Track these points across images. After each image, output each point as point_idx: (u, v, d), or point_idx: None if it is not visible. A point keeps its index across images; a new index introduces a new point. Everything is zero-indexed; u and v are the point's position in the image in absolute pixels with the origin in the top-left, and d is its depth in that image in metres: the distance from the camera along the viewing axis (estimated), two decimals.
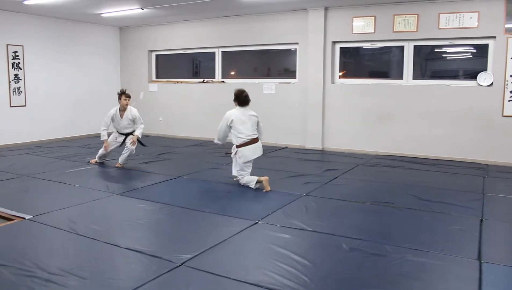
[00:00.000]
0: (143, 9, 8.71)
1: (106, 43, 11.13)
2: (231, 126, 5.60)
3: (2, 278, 3.03)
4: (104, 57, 11.09)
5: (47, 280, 2.98)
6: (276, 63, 10.00)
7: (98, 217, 4.45)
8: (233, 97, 5.73)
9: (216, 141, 5.84)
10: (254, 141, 5.61)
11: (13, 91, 9.11)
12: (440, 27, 7.58)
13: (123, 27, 11.29)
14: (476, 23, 7.30)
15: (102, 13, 9.23)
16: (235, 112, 5.63)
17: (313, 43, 8.67)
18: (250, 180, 5.56)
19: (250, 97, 5.76)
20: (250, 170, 5.66)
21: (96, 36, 10.83)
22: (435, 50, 8.05)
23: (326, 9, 8.47)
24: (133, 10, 8.85)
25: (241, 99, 5.67)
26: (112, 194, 5.26)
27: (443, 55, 8.11)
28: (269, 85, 9.33)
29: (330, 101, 8.69)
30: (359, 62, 9.17)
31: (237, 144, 5.59)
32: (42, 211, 4.51)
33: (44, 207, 4.68)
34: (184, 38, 10.37)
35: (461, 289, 2.94)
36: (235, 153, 5.60)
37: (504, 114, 7.23)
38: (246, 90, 5.77)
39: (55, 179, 6.03)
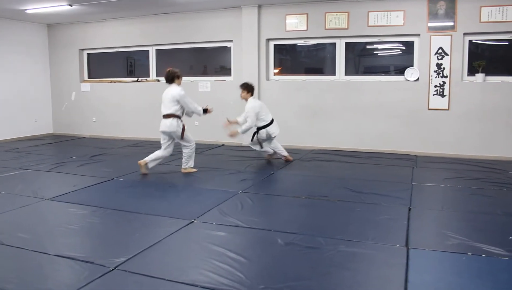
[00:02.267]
0: (71, 6, 8.36)
1: (33, 41, 10.56)
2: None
3: None
4: (31, 56, 10.52)
5: None
6: (211, 61, 9.95)
7: (25, 224, 4.22)
8: None
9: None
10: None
11: None
12: (369, 24, 7.86)
13: (51, 25, 10.80)
14: (402, 21, 7.64)
15: (26, 9, 8.75)
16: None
17: (247, 40, 8.71)
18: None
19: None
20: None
21: (22, 34, 10.24)
22: (367, 46, 8.34)
23: (259, 6, 8.54)
24: (61, 7, 8.47)
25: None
26: (42, 200, 5.03)
27: (374, 52, 8.42)
28: (204, 83, 9.28)
29: (266, 98, 8.75)
30: (295, 59, 9.32)
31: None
32: None
33: None
34: (117, 36, 10.08)
35: (389, 274, 3.07)
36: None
37: (430, 107, 7.63)
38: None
39: None
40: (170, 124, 6.06)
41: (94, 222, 4.28)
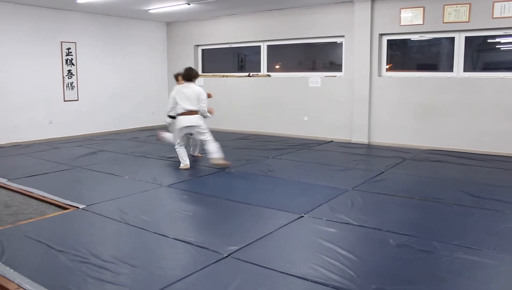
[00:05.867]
0: (189, 4, 8.84)
1: (154, 39, 11.39)
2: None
3: (59, 263, 3.19)
4: (152, 52, 11.36)
5: (100, 267, 3.11)
6: (321, 56, 9.91)
7: (147, 208, 4.58)
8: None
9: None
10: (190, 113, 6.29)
11: (67, 86, 9.50)
12: (494, 16, 7.26)
13: (170, 22, 11.51)
14: None
15: (150, 9, 9.44)
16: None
17: (359, 36, 8.53)
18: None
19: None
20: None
21: (144, 32, 11.11)
22: (488, 40, 7.74)
23: (373, 1, 8.31)
24: (180, 6, 9.00)
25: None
26: (160, 186, 5.40)
27: (497, 46, 7.78)
28: (315, 78, 9.26)
29: (377, 94, 8.54)
30: (407, 55, 8.94)
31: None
32: (95, 201, 4.70)
33: (96, 197, 4.88)
34: (230, 32, 10.46)
35: None
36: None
37: None
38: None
39: (106, 170, 6.25)
40: (197, 119, 6.29)
41: (208, 210, 4.50)
